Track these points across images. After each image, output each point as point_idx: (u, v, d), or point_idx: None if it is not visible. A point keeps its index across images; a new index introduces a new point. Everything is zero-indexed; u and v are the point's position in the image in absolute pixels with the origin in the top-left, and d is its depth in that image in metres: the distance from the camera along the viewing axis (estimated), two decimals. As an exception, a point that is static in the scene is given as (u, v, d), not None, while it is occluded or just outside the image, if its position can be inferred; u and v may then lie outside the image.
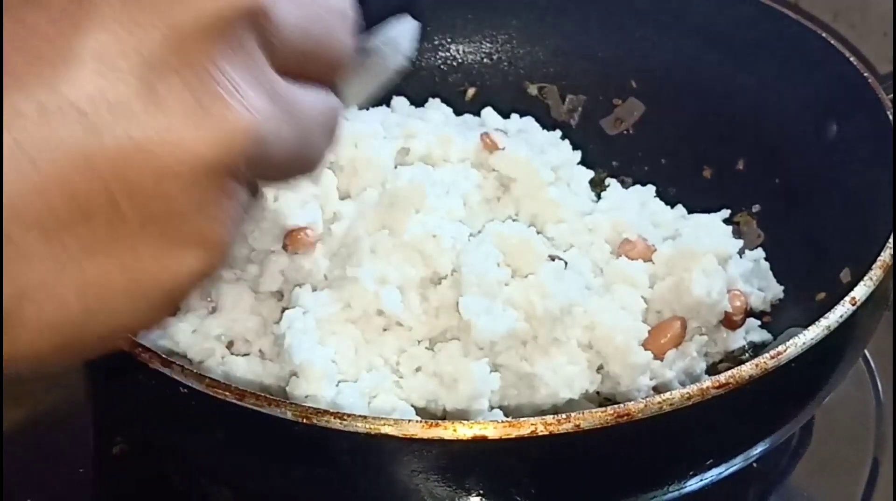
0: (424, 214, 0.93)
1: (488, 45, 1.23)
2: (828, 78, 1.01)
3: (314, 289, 0.93)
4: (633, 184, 1.14)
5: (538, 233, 0.99)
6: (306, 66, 0.43)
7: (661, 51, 1.16)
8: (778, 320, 1.00)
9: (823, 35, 1.02)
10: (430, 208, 0.93)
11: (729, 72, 1.12)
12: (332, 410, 0.68)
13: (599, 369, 0.92)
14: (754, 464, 0.91)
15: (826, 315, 0.75)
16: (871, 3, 1.29)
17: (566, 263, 0.95)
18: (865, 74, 0.97)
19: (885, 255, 0.80)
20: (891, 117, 0.92)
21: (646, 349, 0.91)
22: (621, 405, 0.68)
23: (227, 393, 0.69)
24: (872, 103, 0.95)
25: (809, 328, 0.74)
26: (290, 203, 0.94)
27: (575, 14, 1.20)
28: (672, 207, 1.09)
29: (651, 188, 1.11)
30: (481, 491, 0.71)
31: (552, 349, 0.90)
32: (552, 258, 0.94)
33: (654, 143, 1.17)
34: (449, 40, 1.23)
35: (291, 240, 0.94)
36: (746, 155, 1.11)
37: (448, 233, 0.92)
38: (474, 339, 0.88)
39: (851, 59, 0.99)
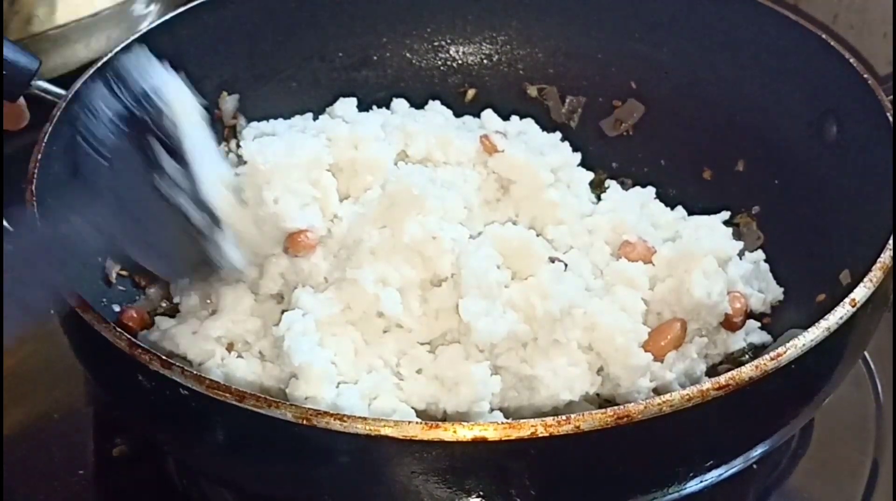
0: (424, 215, 0.93)
1: (488, 46, 1.23)
2: (827, 79, 1.01)
3: (314, 291, 0.93)
4: (633, 185, 1.14)
5: (538, 235, 0.99)
6: None
7: (661, 52, 1.16)
8: (778, 321, 1.00)
9: (823, 36, 1.02)
10: (430, 209, 0.93)
11: (729, 73, 1.11)
12: (332, 411, 0.68)
13: (599, 371, 0.92)
14: (754, 465, 0.91)
15: (826, 317, 0.75)
16: (870, 4, 1.29)
17: (566, 264, 0.95)
18: (865, 76, 0.97)
19: (885, 256, 0.80)
20: (890, 118, 0.92)
21: (646, 351, 0.91)
22: (621, 407, 0.68)
23: (227, 395, 0.69)
24: (872, 104, 0.95)
25: (809, 329, 0.74)
26: (291, 206, 0.94)
27: (574, 15, 1.20)
28: (672, 208, 1.09)
29: (651, 190, 1.11)
30: (481, 493, 0.71)
31: (552, 350, 0.90)
32: (552, 260, 0.94)
33: (653, 144, 1.17)
34: (448, 41, 1.23)
35: (292, 243, 0.94)
36: (746, 156, 1.11)
37: (448, 235, 0.92)
38: (474, 341, 0.88)
39: (851, 60, 0.99)
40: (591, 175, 1.10)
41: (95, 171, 0.86)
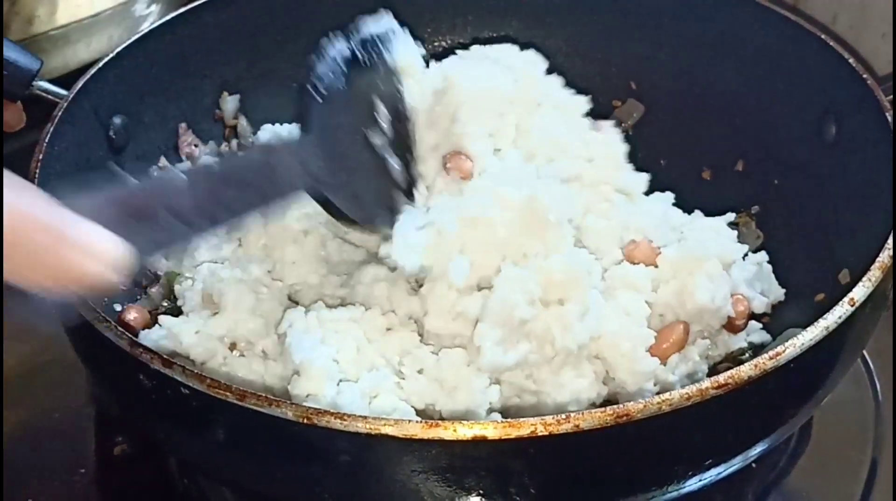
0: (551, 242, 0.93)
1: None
2: (826, 79, 1.01)
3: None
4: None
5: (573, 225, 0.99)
6: None
7: (661, 52, 1.16)
8: (777, 320, 1.00)
9: (822, 37, 1.02)
10: (557, 239, 0.93)
11: (728, 73, 1.12)
12: (332, 410, 0.68)
13: (605, 378, 0.92)
14: (753, 464, 0.91)
15: (825, 316, 0.75)
16: (869, 5, 1.29)
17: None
18: (864, 76, 0.97)
19: (884, 256, 0.80)
20: (889, 118, 0.92)
21: (650, 355, 0.91)
22: (620, 406, 0.68)
23: (227, 393, 0.70)
24: (871, 104, 0.95)
25: (808, 328, 0.74)
26: (473, 131, 0.96)
27: (574, 15, 1.20)
28: (688, 211, 1.08)
29: (670, 195, 1.09)
30: (481, 491, 0.71)
31: (562, 369, 0.89)
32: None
33: (653, 144, 1.17)
34: (449, 41, 1.23)
35: (454, 160, 0.96)
36: (745, 156, 1.11)
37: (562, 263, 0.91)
38: (480, 365, 0.88)
39: (850, 60, 0.99)
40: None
41: (309, 108, 0.88)
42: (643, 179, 1.08)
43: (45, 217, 0.52)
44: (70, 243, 0.53)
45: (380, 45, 0.93)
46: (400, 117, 0.94)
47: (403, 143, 0.94)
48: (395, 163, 0.92)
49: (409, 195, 0.94)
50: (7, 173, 0.51)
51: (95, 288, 0.56)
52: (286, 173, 0.82)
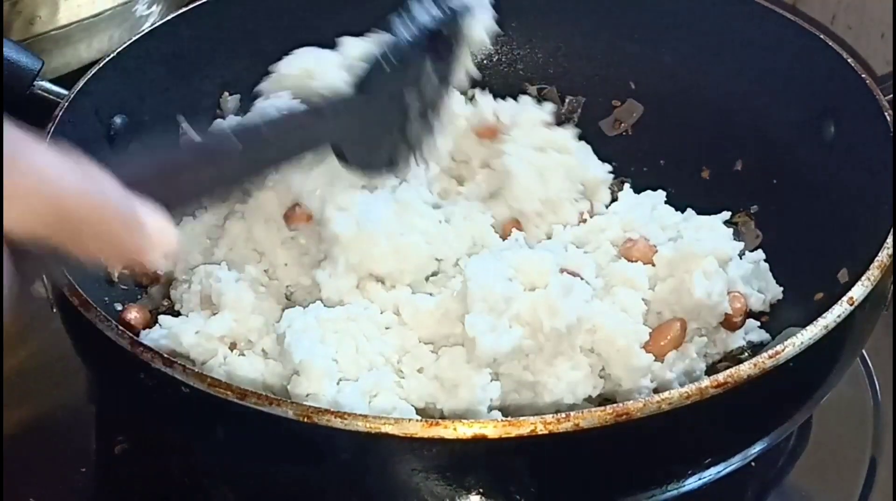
0: None
1: (488, 46, 1.23)
2: (825, 79, 1.02)
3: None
4: (632, 185, 1.13)
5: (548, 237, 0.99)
6: None
7: (660, 52, 1.16)
8: (776, 319, 1.00)
9: (821, 37, 1.03)
10: None
11: (727, 73, 1.12)
12: (332, 409, 0.68)
13: (601, 372, 0.92)
14: (752, 463, 0.91)
15: (824, 315, 0.75)
16: (868, 5, 1.29)
17: (575, 274, 0.94)
18: (863, 76, 0.97)
19: (883, 255, 0.81)
20: (888, 118, 0.93)
21: (647, 352, 0.91)
22: (620, 405, 0.68)
23: (228, 393, 0.70)
24: (870, 104, 0.95)
25: (807, 327, 0.74)
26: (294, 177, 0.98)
27: (574, 15, 1.20)
28: (682, 210, 1.08)
29: (661, 193, 1.10)
30: (481, 490, 0.71)
31: (556, 358, 0.90)
32: (563, 272, 0.94)
33: (652, 144, 1.17)
34: (449, 41, 1.23)
35: (291, 217, 0.99)
36: (744, 156, 1.12)
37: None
38: (477, 355, 0.88)
39: (849, 60, 0.99)
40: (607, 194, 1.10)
41: (371, 73, 0.89)
42: (604, 170, 1.09)
43: (121, 206, 0.56)
44: (139, 232, 0.57)
45: (461, 17, 0.94)
46: (442, 89, 0.95)
47: (433, 111, 0.95)
48: (416, 125, 0.93)
49: (414, 157, 0.95)
50: (85, 162, 0.58)
51: (142, 267, 0.66)
52: (320, 131, 0.85)
